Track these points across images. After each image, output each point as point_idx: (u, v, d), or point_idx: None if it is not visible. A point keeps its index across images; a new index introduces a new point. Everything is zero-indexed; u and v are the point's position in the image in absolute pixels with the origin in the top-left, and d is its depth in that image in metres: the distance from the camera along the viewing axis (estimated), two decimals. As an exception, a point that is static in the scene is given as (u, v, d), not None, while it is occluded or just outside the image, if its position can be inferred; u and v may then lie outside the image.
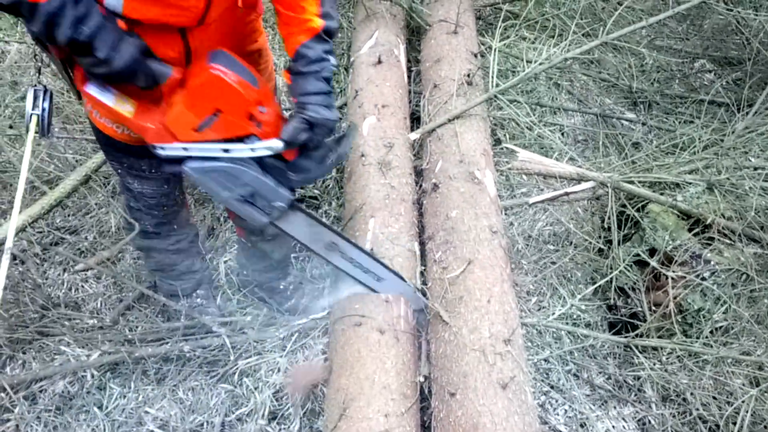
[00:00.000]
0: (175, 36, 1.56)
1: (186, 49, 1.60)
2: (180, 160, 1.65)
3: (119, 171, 1.90)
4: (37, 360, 2.15)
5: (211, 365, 2.18)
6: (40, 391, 2.06)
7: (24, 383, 2.04)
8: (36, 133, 1.57)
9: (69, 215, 2.64)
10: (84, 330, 2.24)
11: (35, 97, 1.57)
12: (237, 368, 2.16)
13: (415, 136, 2.62)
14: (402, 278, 2.10)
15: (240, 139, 1.62)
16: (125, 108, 1.59)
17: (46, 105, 1.58)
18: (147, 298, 2.34)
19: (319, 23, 1.67)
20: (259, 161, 1.68)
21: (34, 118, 1.57)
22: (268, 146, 1.63)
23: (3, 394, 2.00)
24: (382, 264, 2.06)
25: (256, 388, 2.12)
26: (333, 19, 1.70)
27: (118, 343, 2.20)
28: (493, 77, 2.60)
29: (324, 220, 2.01)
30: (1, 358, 2.12)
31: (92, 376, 2.11)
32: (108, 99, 1.57)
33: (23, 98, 2.81)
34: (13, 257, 2.43)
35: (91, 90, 1.56)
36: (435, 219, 2.37)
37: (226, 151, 1.63)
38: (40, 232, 2.52)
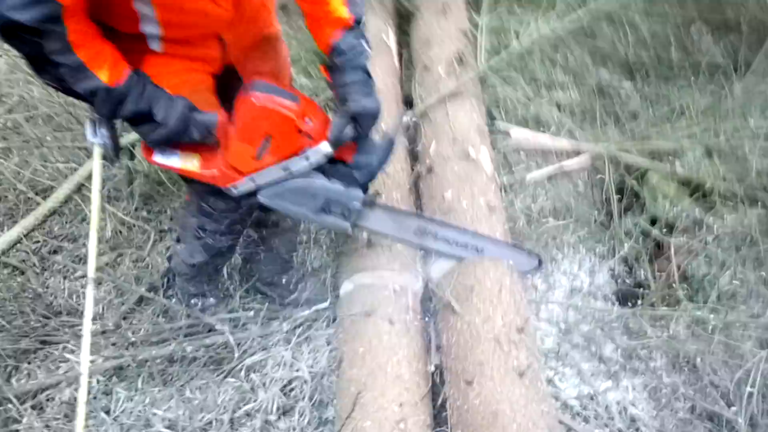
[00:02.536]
0: (213, 38, 1.62)
1: (222, 45, 1.65)
2: (253, 193, 1.76)
3: (199, 189, 1.86)
4: (42, 369, 2.15)
5: (217, 363, 2.17)
6: (47, 400, 2.06)
7: (30, 393, 2.04)
8: (104, 159, 1.60)
9: (66, 222, 2.64)
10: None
11: (93, 126, 1.58)
12: (243, 365, 2.15)
13: (406, 119, 2.59)
14: (504, 242, 2.12)
15: (296, 155, 1.71)
16: (191, 164, 1.70)
17: (105, 131, 1.58)
18: (148, 299, 2.34)
19: (345, 13, 1.68)
20: (324, 171, 1.76)
21: (97, 148, 1.60)
22: (318, 151, 1.70)
23: (10, 405, 2.00)
24: (480, 235, 2.07)
25: (263, 384, 2.11)
26: (358, 5, 1.70)
27: (121, 347, 2.20)
28: (480, 54, 2.57)
29: (404, 208, 2.05)
30: (6, 370, 2.12)
31: (98, 381, 2.10)
32: (174, 162, 1.69)
33: (11, 111, 2.82)
34: (14, 268, 2.44)
35: (158, 159, 1.68)
36: (432, 201, 2.35)
37: (286, 169, 1.72)
38: (37, 242, 2.52)
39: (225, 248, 2.05)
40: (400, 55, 3.31)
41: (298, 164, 1.71)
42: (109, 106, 1.44)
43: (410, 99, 3.01)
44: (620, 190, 2.53)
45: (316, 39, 1.73)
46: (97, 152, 1.58)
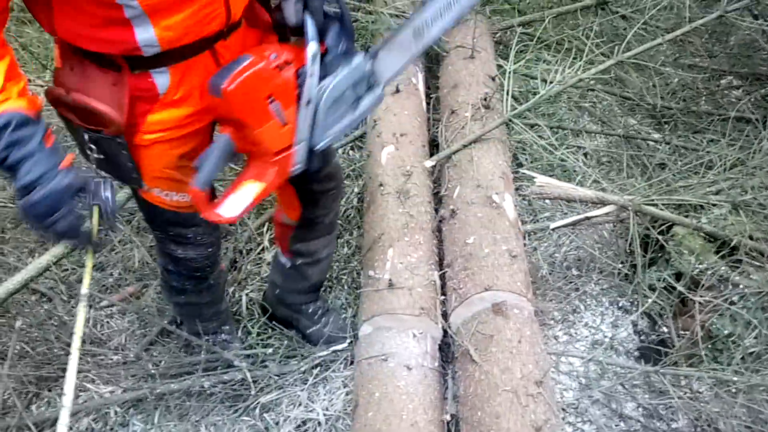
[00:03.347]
0: (209, 64, 1.51)
1: None
2: (311, 152, 1.65)
3: (162, 239, 1.90)
4: (62, 397, 2.18)
5: (233, 400, 2.18)
6: (65, 429, 2.08)
7: (49, 421, 2.06)
8: (100, 225, 1.47)
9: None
10: (108, 366, 2.27)
11: (95, 188, 1.43)
12: (258, 402, 2.16)
13: (430, 163, 2.62)
14: None
15: (300, 85, 1.57)
16: (258, 186, 1.61)
17: (110, 194, 1.45)
18: (171, 332, 2.36)
19: None
20: (322, 76, 1.61)
21: (96, 209, 1.45)
22: (309, 59, 1.54)
23: (28, 432, 2.03)
24: None
25: (276, 423, 2.12)
26: None
27: (141, 378, 2.22)
28: (507, 101, 2.59)
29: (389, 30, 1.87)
30: (27, 396, 2.15)
31: (115, 412, 2.12)
32: (246, 200, 1.60)
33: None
34: (41, 294, 2.49)
35: (229, 213, 1.59)
36: (453, 246, 2.35)
37: (308, 103, 1.58)
38: (66, 270, 2.58)
39: (189, 290, 2.06)
40: (429, 98, 3.35)
41: (309, 89, 1.57)
42: None
43: (437, 141, 3.04)
44: (645, 243, 2.50)
45: None
46: (95, 213, 1.45)
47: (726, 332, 2.12)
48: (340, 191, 2.16)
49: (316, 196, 2.02)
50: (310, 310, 2.35)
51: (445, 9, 1.80)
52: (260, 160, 1.60)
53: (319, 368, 2.26)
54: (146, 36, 1.33)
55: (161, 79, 1.45)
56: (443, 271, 2.33)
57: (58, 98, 1.44)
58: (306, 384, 2.20)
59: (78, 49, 1.37)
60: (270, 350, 2.32)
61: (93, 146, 1.48)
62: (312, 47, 1.53)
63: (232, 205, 1.60)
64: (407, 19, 1.78)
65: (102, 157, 1.50)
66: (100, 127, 1.44)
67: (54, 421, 2.07)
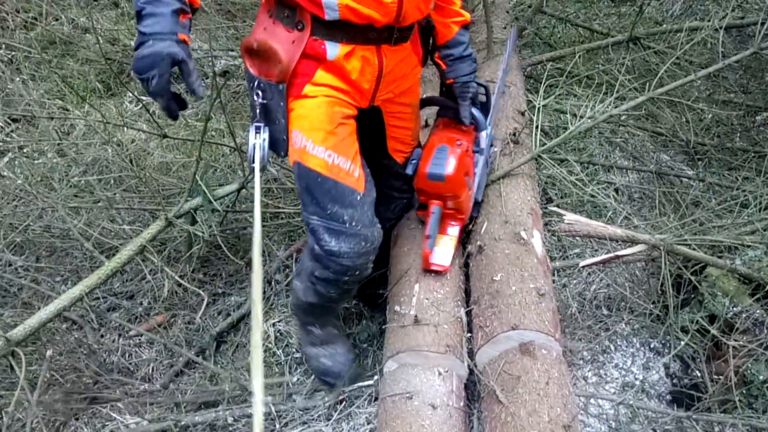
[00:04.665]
0: (373, 57, 1.80)
1: (379, 71, 1.84)
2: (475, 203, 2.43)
3: (317, 227, 1.84)
4: (89, 426, 2.20)
5: (257, 434, 2.17)
6: (90, 458, 2.11)
7: (75, 450, 2.09)
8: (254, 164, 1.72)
9: (126, 280, 2.74)
10: (135, 395, 2.29)
11: (257, 131, 1.75)
12: (282, 437, 2.15)
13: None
14: None
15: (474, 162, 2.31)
16: (454, 232, 2.32)
17: (266, 136, 1.75)
18: (197, 363, 2.38)
19: (467, 15, 2.02)
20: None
21: (258, 149, 1.72)
22: (484, 142, 2.33)
23: (55, 461, 2.05)
24: None
25: (300, 459, 2.11)
26: (467, 9, 2.05)
27: (166, 409, 2.23)
28: (536, 136, 2.59)
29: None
30: (54, 425, 2.18)
31: (140, 443, 2.14)
32: (449, 247, 2.30)
33: (85, 173, 2.99)
34: (72, 322, 2.53)
35: (438, 260, 2.25)
36: (480, 282, 2.33)
37: (482, 170, 2.42)
38: (97, 299, 2.62)
39: (335, 298, 2.04)
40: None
41: (485, 161, 2.34)
42: None
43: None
44: (678, 283, 2.45)
45: (438, 27, 2.04)
46: (257, 151, 1.71)
47: (761, 378, 2.06)
48: (411, 203, 2.46)
49: (391, 198, 2.34)
50: (378, 291, 2.52)
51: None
52: (449, 218, 2.26)
53: (343, 404, 2.24)
54: (331, 2, 1.63)
55: (332, 50, 1.73)
56: (469, 308, 2.31)
57: (247, 45, 1.76)
58: (330, 420, 2.19)
59: (276, 5, 1.73)
60: (295, 378, 2.32)
61: (260, 92, 1.78)
62: (484, 134, 2.29)
63: (442, 256, 2.22)
64: (497, 86, 2.62)
65: (265, 102, 1.78)
66: (270, 72, 1.74)
67: (80, 450, 2.10)
